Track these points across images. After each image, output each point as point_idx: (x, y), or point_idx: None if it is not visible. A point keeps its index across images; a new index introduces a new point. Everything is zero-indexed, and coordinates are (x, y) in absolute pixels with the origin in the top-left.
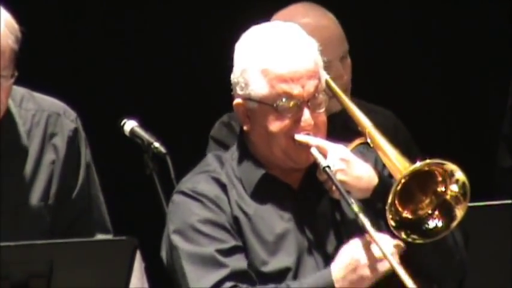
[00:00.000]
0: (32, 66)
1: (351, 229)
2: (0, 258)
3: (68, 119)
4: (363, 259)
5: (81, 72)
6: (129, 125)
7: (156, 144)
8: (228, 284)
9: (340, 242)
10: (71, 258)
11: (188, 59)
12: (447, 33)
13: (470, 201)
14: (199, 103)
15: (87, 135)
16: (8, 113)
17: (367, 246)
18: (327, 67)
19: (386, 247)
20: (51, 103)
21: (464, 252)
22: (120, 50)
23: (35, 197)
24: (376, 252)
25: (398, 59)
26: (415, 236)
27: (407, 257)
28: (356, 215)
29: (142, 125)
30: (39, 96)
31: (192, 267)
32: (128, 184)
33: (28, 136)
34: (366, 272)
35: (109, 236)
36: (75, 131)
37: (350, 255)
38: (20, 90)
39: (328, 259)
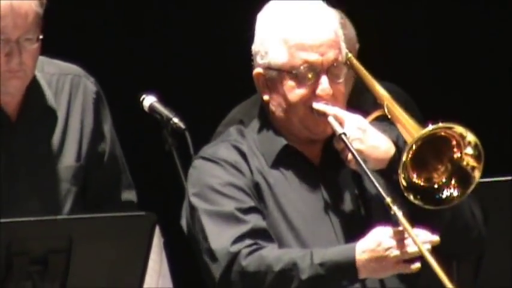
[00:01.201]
0: (50, 40)
1: (371, 204)
2: (20, 233)
3: (89, 81)
4: (393, 251)
5: (100, 48)
6: (148, 100)
7: (175, 120)
8: (248, 241)
9: (360, 216)
10: (90, 234)
11: (206, 36)
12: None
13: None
14: (218, 78)
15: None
16: (34, 77)
17: (400, 238)
18: None
19: (423, 244)
20: (70, 67)
21: (482, 228)
22: (139, 26)
23: (70, 157)
24: (410, 247)
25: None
26: (428, 203)
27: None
28: (389, 206)
29: (162, 100)
30: (56, 61)
31: (212, 224)
32: (147, 159)
33: (55, 99)
34: (391, 265)
35: (133, 192)
36: (98, 93)
37: (378, 242)
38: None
39: (347, 233)
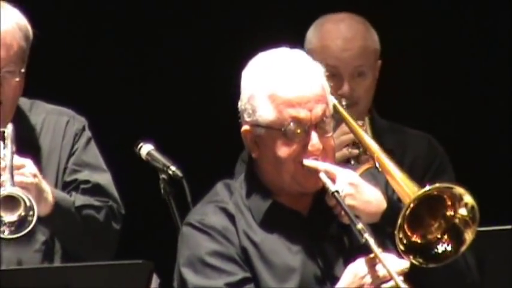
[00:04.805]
0: (53, 86)
1: (360, 255)
2: (19, 281)
3: (74, 119)
4: (368, 278)
5: (99, 94)
6: (146, 148)
7: (173, 168)
8: None
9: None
10: (87, 282)
11: (206, 86)
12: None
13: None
14: (216, 128)
15: (104, 158)
16: (24, 117)
17: (371, 265)
18: (338, 81)
19: (392, 266)
20: (56, 108)
21: (475, 275)
22: (138, 74)
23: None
24: (381, 271)
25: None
26: (422, 260)
27: (419, 278)
28: (361, 234)
29: (159, 148)
30: (44, 103)
31: None
32: (144, 207)
33: (40, 137)
34: None
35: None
36: (81, 130)
37: (354, 274)
38: (27, 100)
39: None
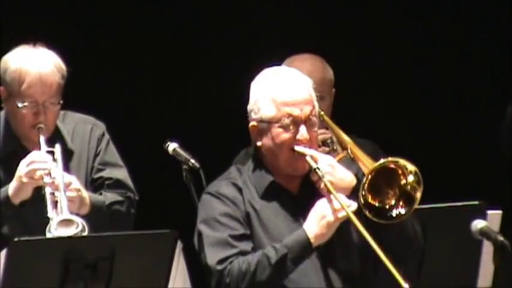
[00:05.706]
0: (85, 94)
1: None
2: (76, 246)
3: (96, 127)
4: (328, 209)
5: (136, 105)
6: (172, 146)
7: (192, 161)
8: (233, 259)
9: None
10: (128, 246)
11: (217, 99)
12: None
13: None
14: (227, 131)
15: (139, 156)
16: (58, 128)
17: (330, 202)
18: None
19: (344, 201)
20: (84, 117)
21: (421, 239)
22: (168, 87)
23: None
24: (336, 205)
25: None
26: (382, 220)
27: (379, 243)
28: (321, 178)
29: (182, 145)
30: (73, 113)
31: (210, 247)
32: (170, 190)
33: (72, 141)
34: (331, 217)
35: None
36: (102, 135)
37: (318, 209)
38: (61, 112)
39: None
